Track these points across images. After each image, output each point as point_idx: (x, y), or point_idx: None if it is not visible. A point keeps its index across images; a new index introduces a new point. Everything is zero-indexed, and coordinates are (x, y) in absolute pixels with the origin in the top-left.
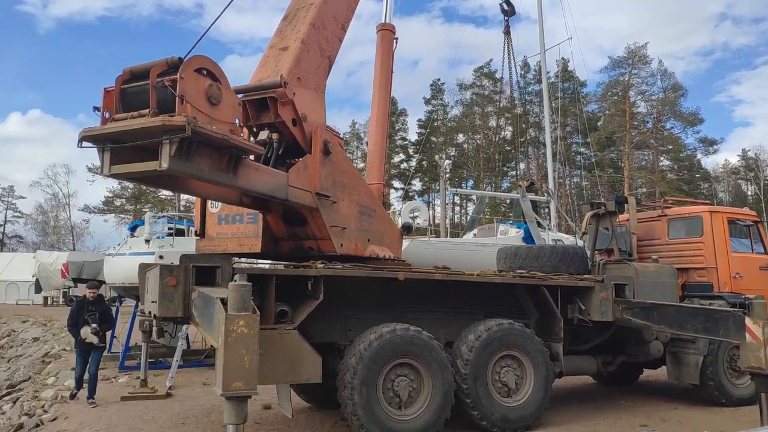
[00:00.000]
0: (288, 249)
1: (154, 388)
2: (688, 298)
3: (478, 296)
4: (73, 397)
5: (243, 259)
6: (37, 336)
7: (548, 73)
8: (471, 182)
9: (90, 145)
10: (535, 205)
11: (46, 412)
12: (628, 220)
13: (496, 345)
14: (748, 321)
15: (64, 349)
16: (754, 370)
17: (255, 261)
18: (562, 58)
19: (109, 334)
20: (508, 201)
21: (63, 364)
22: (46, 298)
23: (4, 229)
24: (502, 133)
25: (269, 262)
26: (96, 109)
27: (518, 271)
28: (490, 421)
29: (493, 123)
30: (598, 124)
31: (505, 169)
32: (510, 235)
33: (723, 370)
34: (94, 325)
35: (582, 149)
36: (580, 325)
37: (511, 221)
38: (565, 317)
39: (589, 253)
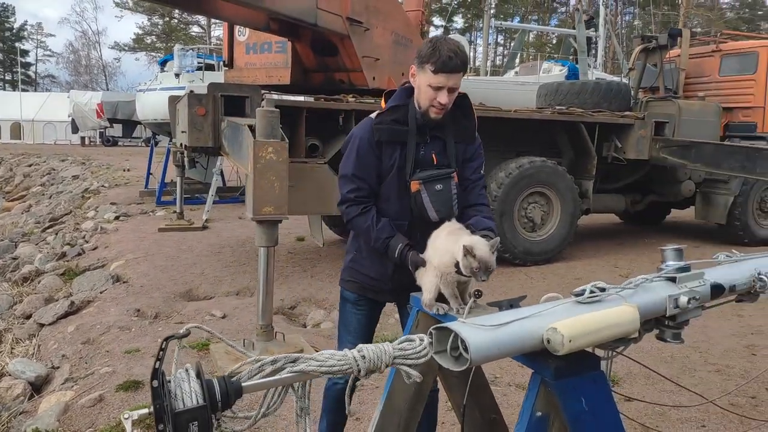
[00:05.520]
0: (318, 82)
1: (190, 220)
2: (729, 138)
3: (514, 134)
4: None
5: (273, 92)
6: (77, 174)
7: None
8: (517, 19)
9: None
10: (589, 41)
11: (86, 242)
12: (678, 55)
13: (526, 182)
14: None
15: (102, 186)
16: None
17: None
18: None
19: (144, 171)
20: (554, 40)
21: (102, 199)
22: (83, 138)
23: (36, 68)
24: None
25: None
26: None
27: (558, 107)
28: (512, 253)
29: None
30: None
31: (555, 5)
32: (553, 73)
33: (752, 210)
34: None
35: None
36: (614, 164)
37: (556, 58)
38: (600, 155)
39: (633, 90)
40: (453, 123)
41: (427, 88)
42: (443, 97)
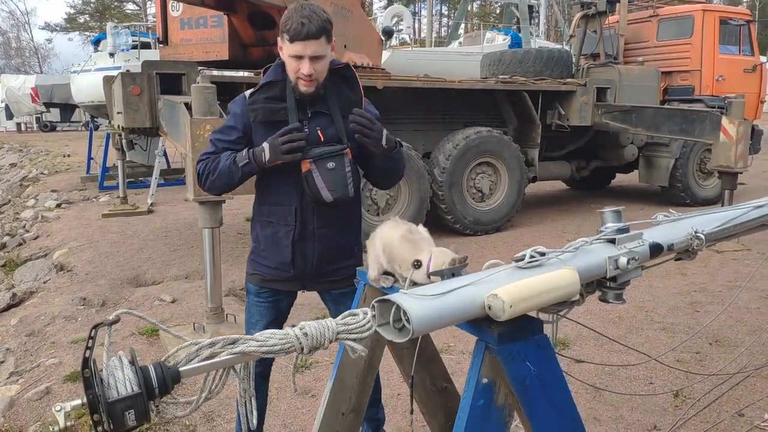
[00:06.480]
0: (258, 56)
1: (135, 205)
2: (668, 102)
3: (459, 105)
4: None
5: (212, 69)
6: (14, 162)
7: None
8: None
9: None
10: (531, 10)
11: (27, 231)
12: (617, 21)
13: (473, 153)
14: (724, 120)
15: (42, 173)
16: (722, 169)
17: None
18: None
19: (85, 156)
20: (497, 9)
21: (42, 187)
22: (19, 125)
23: None
24: None
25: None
26: None
27: (501, 77)
28: (463, 224)
29: None
30: None
31: None
32: (497, 42)
33: (692, 172)
34: None
35: None
36: (558, 131)
37: (499, 28)
38: (544, 123)
39: (574, 57)
40: (337, 96)
41: (289, 59)
42: (305, 67)
